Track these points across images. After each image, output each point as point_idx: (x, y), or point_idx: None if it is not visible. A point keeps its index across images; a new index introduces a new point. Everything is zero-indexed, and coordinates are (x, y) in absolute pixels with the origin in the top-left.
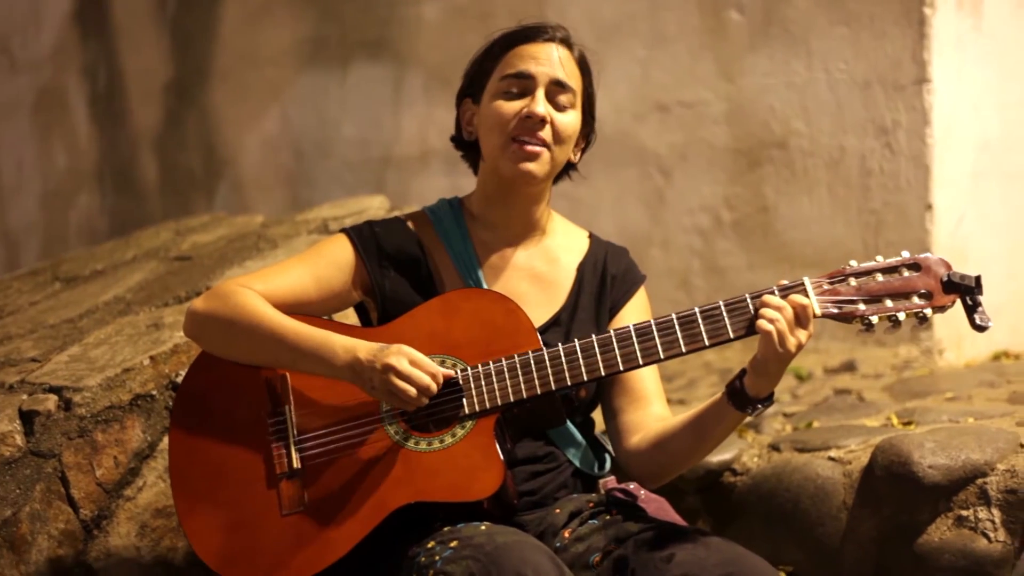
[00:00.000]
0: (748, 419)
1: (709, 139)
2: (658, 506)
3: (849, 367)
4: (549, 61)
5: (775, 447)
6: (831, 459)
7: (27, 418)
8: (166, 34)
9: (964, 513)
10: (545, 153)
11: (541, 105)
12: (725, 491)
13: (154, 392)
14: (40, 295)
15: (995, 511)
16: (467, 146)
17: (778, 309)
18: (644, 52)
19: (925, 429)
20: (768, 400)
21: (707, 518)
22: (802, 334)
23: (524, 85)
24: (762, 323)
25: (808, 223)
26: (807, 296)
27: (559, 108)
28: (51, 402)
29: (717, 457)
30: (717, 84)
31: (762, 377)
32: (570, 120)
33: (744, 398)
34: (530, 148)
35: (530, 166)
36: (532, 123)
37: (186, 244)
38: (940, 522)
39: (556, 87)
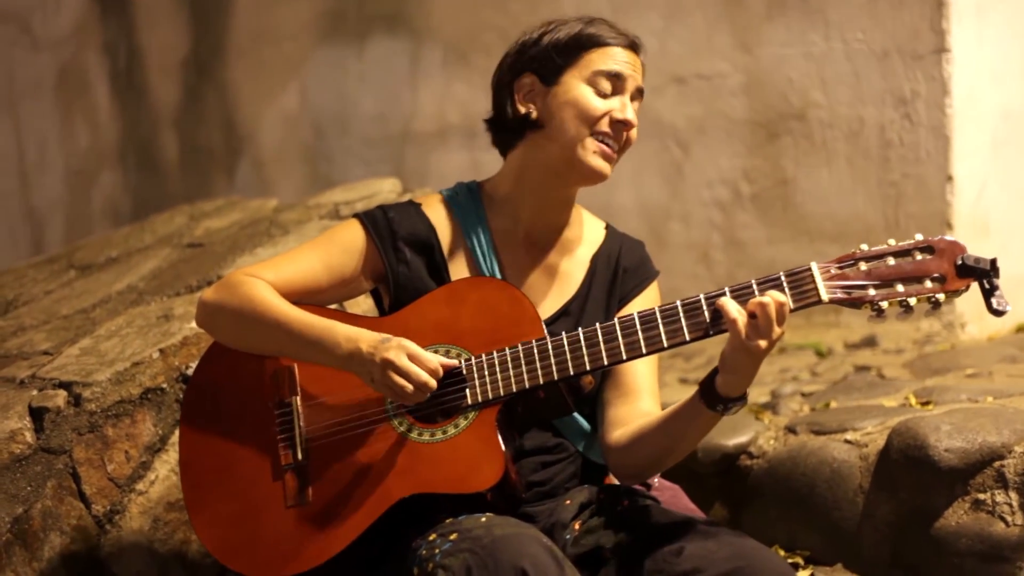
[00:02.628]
0: (723, 416)
1: (727, 111)
2: (672, 494)
3: (870, 342)
4: (638, 69)
5: (791, 429)
6: (847, 442)
7: (37, 415)
8: (184, 10)
9: (981, 497)
10: (616, 158)
11: (632, 113)
12: (741, 475)
13: (164, 385)
14: (55, 284)
15: (1012, 494)
16: (513, 122)
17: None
18: (661, 24)
19: (942, 410)
20: (740, 400)
21: (723, 502)
22: (773, 331)
23: (616, 86)
24: (729, 312)
25: (828, 195)
26: (784, 293)
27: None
28: (60, 398)
29: (733, 440)
30: (734, 55)
31: (732, 374)
32: (636, 129)
33: (714, 396)
34: (611, 151)
35: (607, 166)
36: (620, 128)
37: (199, 230)
38: (957, 506)
39: (638, 95)
